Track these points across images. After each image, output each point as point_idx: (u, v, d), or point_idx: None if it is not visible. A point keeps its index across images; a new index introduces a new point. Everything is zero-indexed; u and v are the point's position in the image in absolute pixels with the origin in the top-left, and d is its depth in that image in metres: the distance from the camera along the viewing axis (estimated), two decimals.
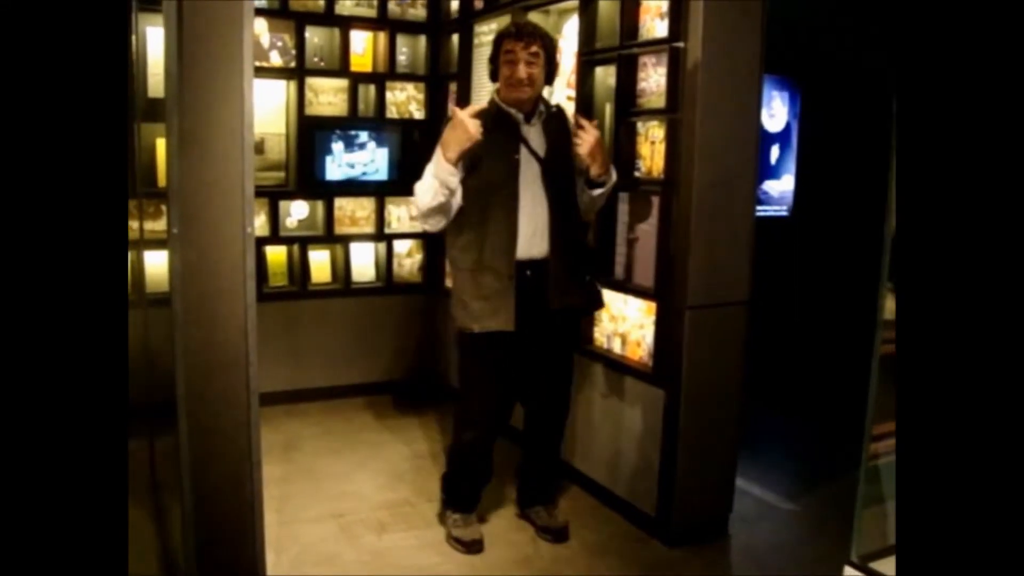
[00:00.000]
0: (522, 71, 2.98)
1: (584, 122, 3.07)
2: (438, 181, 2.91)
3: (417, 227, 4.78)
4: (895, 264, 1.76)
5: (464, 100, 4.43)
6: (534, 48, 2.99)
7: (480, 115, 2.98)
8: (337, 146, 4.75)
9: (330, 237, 4.83)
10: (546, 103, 3.15)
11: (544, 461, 3.43)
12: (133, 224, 4.18)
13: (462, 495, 3.31)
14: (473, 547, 3.19)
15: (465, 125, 2.87)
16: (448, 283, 4.33)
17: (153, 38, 3.96)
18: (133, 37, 3.76)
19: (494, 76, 3.12)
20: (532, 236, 3.04)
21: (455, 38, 4.77)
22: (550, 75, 3.10)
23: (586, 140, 3.02)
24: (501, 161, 3.01)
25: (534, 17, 4.14)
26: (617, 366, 3.46)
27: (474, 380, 3.17)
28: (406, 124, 4.94)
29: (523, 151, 3.04)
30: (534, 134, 3.08)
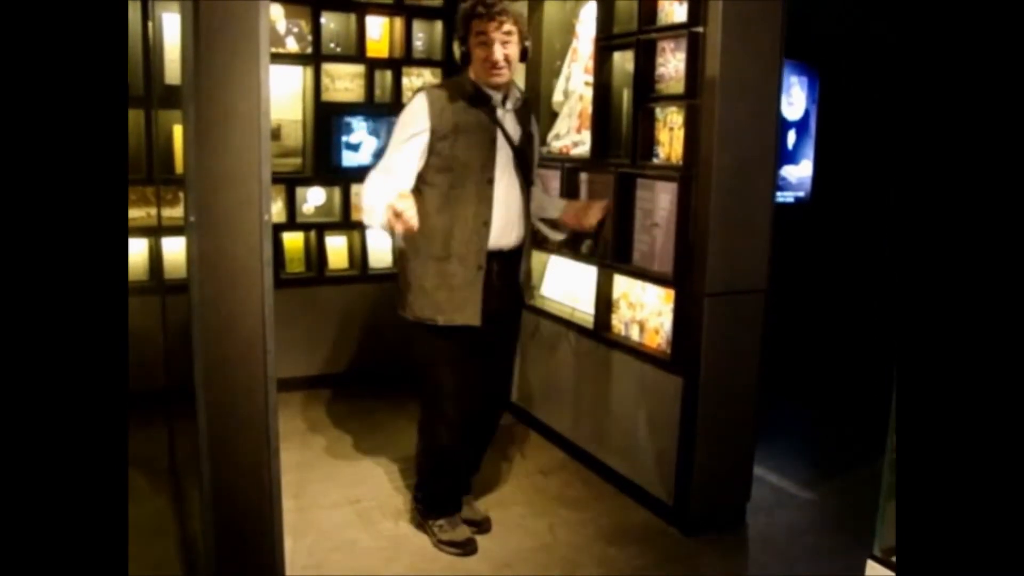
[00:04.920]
0: (498, 52, 2.79)
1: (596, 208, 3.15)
2: (383, 228, 2.73)
3: None
4: (895, 263, 1.75)
5: None
6: (507, 27, 2.80)
7: (453, 91, 2.88)
8: (355, 132, 4.75)
9: (347, 223, 4.83)
10: (519, 88, 3.04)
11: (476, 453, 3.29)
12: (151, 211, 4.20)
13: (444, 500, 3.16)
14: (468, 546, 3.08)
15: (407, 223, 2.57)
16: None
17: (170, 25, 3.98)
18: (150, 24, 3.77)
19: (465, 59, 2.89)
20: (505, 226, 2.92)
21: None
22: (524, 53, 2.91)
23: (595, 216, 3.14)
24: (478, 145, 2.86)
25: (551, 2, 4.12)
26: (635, 353, 3.44)
27: (443, 377, 2.95)
28: None
29: (499, 136, 2.90)
30: (508, 119, 2.95)
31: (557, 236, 3.29)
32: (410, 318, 2.95)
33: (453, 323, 2.87)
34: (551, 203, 3.23)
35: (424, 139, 2.83)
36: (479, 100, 2.88)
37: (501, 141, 2.91)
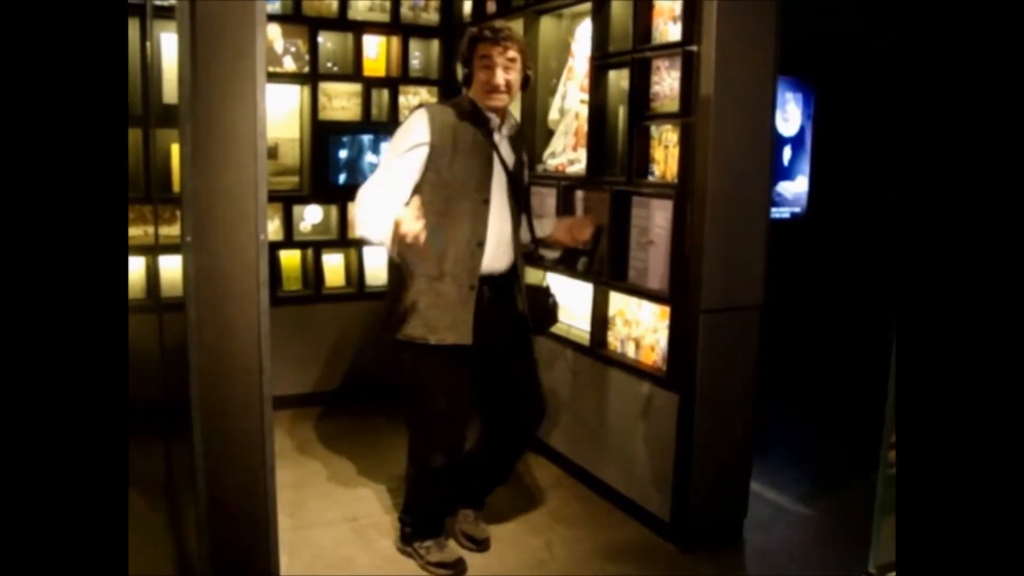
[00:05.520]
0: (500, 77, 2.84)
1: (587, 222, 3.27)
2: (381, 242, 2.72)
3: None
4: (894, 271, 1.75)
5: None
6: (511, 53, 2.84)
7: (452, 109, 2.89)
8: (348, 151, 4.77)
9: (344, 241, 4.84)
10: (514, 116, 3.06)
11: (498, 470, 3.30)
12: (149, 229, 4.22)
13: (432, 521, 3.14)
14: (459, 566, 3.06)
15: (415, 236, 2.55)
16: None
17: (168, 44, 4.01)
18: (148, 43, 3.79)
19: (467, 80, 2.93)
20: (496, 249, 2.91)
21: None
22: (525, 80, 2.97)
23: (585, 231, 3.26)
24: (475, 164, 2.87)
25: (546, 21, 4.14)
26: (631, 370, 3.45)
27: (437, 398, 2.93)
28: None
29: (495, 159, 2.93)
30: (504, 144, 2.98)
31: (551, 254, 3.33)
32: (400, 337, 2.90)
33: (445, 342, 2.84)
34: (539, 222, 3.25)
35: (424, 152, 2.82)
36: (478, 121, 2.90)
37: (497, 164, 2.93)
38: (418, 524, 3.14)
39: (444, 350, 2.85)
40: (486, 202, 2.88)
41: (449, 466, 3.01)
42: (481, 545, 3.22)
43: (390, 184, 2.81)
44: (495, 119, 2.93)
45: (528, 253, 3.28)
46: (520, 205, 3.04)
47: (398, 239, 2.56)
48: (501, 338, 3.02)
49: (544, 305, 3.22)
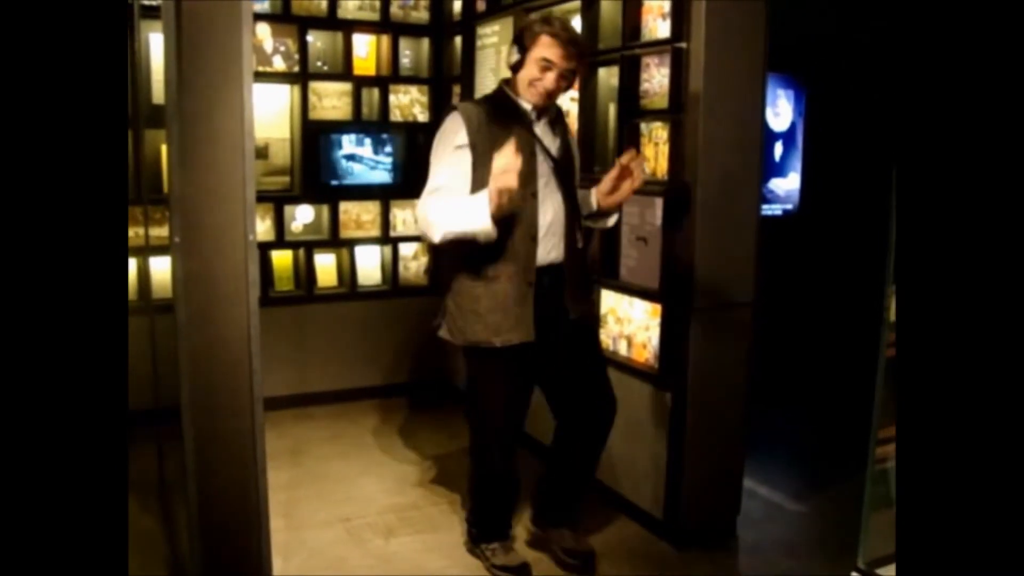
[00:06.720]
0: (555, 83, 2.75)
1: (635, 165, 2.83)
2: (471, 234, 2.68)
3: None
4: (897, 267, 1.75)
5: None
6: (573, 64, 2.75)
7: (486, 106, 2.82)
8: (342, 150, 4.76)
9: (336, 241, 4.83)
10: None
11: (577, 478, 3.16)
12: (139, 231, 4.20)
13: (497, 523, 3.13)
14: (523, 571, 3.02)
15: (512, 178, 2.51)
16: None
17: (156, 44, 3.99)
18: (136, 44, 3.78)
19: (517, 66, 2.80)
20: (550, 239, 2.84)
21: (458, 40, 4.77)
22: (568, 86, 2.89)
23: (628, 189, 2.86)
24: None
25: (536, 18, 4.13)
26: (623, 368, 3.44)
27: (499, 398, 2.92)
28: (410, 127, 4.95)
29: (539, 150, 2.83)
30: (545, 133, 2.87)
31: (610, 222, 3.17)
32: (462, 343, 2.90)
33: (510, 343, 2.80)
34: (586, 196, 3.11)
35: (467, 153, 2.76)
36: (515, 115, 2.82)
37: (541, 155, 2.84)
38: (483, 526, 3.14)
39: (510, 350, 2.82)
40: (534, 195, 2.80)
41: (508, 464, 3.02)
42: (586, 561, 3.10)
43: (445, 189, 2.76)
44: (532, 110, 2.84)
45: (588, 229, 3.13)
46: (572, 190, 2.94)
47: (497, 190, 2.54)
48: (563, 331, 2.93)
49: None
